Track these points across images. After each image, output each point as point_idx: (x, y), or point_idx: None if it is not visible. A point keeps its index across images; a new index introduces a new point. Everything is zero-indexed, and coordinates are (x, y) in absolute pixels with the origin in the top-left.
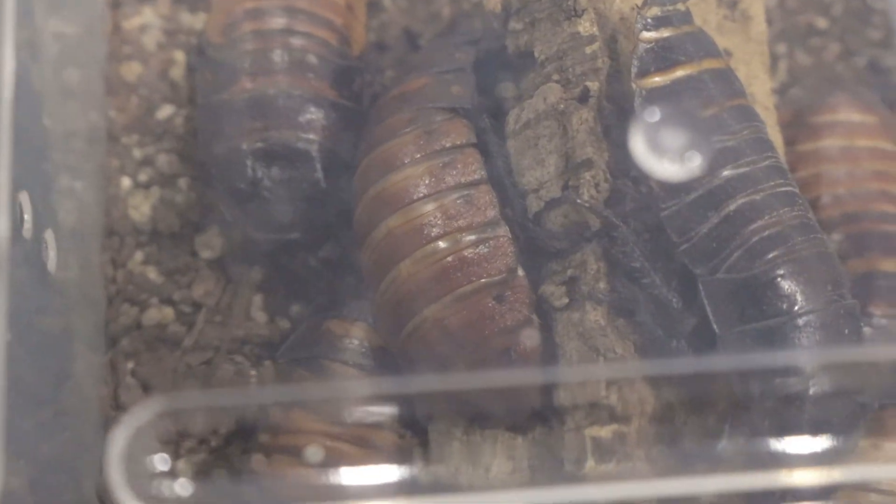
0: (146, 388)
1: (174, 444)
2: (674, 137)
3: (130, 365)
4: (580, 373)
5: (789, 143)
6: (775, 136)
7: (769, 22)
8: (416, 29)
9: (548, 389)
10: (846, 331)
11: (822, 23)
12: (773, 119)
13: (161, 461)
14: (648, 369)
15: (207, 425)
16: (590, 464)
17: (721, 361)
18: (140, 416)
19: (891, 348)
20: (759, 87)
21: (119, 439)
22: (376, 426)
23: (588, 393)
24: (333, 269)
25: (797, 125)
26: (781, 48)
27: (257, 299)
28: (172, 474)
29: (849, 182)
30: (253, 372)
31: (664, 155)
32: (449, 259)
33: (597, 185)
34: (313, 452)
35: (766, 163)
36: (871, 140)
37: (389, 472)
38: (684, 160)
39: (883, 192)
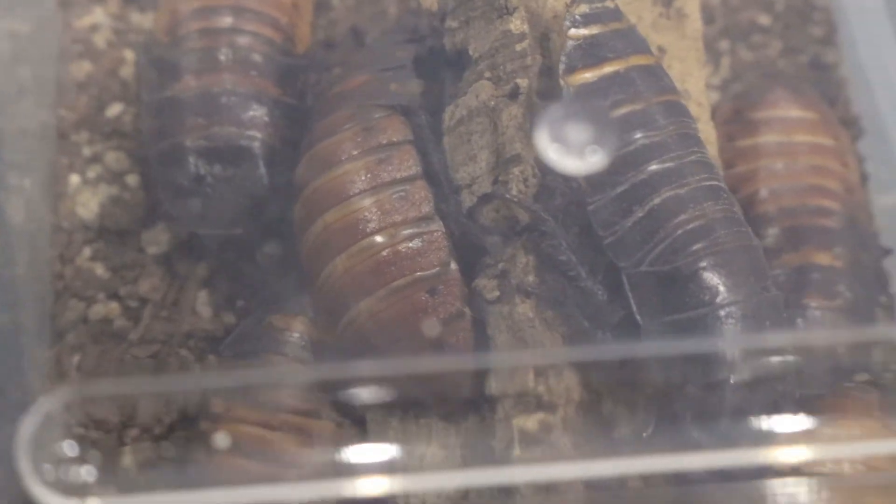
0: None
1: (104, 432)
2: (595, 133)
3: (76, 359)
4: (509, 359)
5: (729, 138)
6: (708, 131)
7: (712, 19)
8: (362, 27)
9: (480, 379)
10: (768, 322)
11: (764, 20)
12: (706, 115)
13: (70, 448)
14: (574, 356)
15: (143, 413)
16: (517, 452)
17: (645, 350)
18: (49, 404)
19: (806, 334)
20: (694, 84)
21: (27, 427)
22: (315, 415)
23: (517, 382)
24: (278, 265)
25: (737, 121)
26: (724, 45)
27: (203, 295)
28: (108, 461)
29: (786, 177)
30: (197, 366)
31: (582, 150)
32: (383, 253)
33: (525, 180)
34: (222, 438)
35: (692, 158)
36: (810, 135)
37: (328, 459)
38: (604, 155)
39: (820, 187)
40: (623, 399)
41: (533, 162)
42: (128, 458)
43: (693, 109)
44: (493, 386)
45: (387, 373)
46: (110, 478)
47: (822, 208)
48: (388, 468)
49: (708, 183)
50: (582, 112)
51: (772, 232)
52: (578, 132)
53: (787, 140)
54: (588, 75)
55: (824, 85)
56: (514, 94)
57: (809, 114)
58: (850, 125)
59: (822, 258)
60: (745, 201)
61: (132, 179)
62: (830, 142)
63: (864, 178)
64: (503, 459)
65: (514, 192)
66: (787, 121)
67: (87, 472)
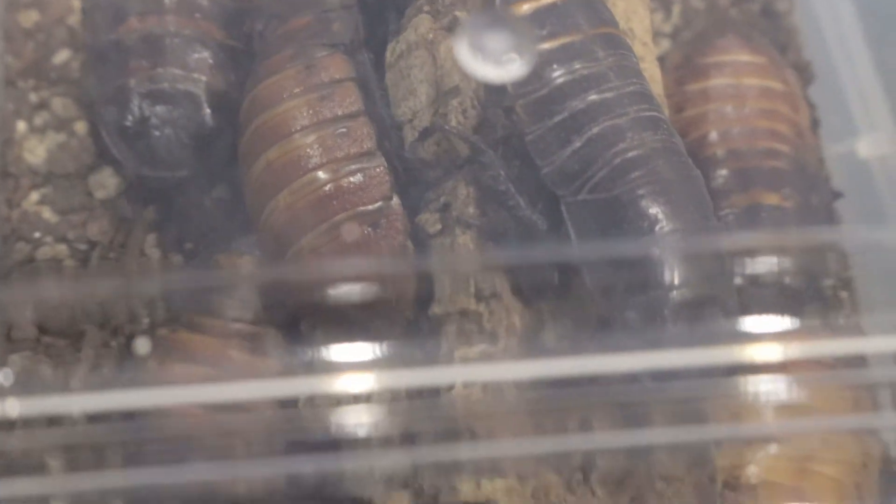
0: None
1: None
2: (512, 40)
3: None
4: (449, 263)
5: (678, 83)
6: (653, 70)
7: None
8: None
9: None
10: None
11: None
12: (651, 55)
13: None
14: (510, 259)
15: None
16: (457, 388)
17: (580, 254)
18: None
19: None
20: (638, 24)
21: None
22: (258, 339)
23: (459, 304)
24: (225, 207)
25: (686, 66)
26: None
27: (151, 237)
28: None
29: (736, 120)
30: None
31: (499, 56)
32: (325, 188)
33: (464, 111)
34: (142, 343)
35: (631, 89)
36: (759, 79)
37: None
38: (523, 63)
39: (770, 130)
40: (563, 324)
41: (472, 94)
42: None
43: (638, 49)
44: (436, 307)
45: (330, 298)
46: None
47: (771, 150)
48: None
49: (647, 114)
50: (502, 21)
51: (721, 173)
52: (497, 40)
53: (737, 83)
54: (525, 7)
55: (775, 32)
56: (452, 27)
57: (759, 58)
58: (802, 71)
59: (771, 198)
60: (694, 144)
61: (80, 126)
62: (780, 86)
63: (815, 123)
64: (444, 392)
65: (454, 123)
66: (736, 65)
67: (4, 376)
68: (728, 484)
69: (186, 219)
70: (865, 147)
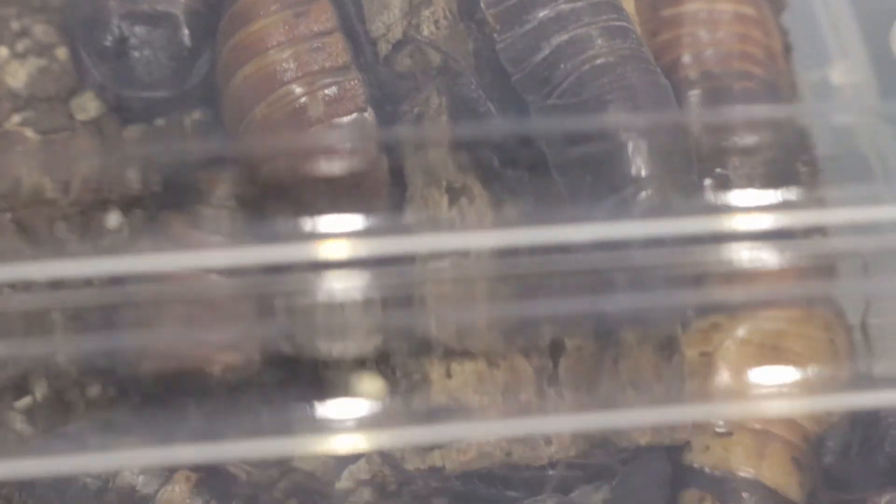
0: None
1: None
2: None
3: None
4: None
5: (653, 8)
6: None
7: None
8: None
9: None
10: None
11: None
12: None
13: None
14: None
15: None
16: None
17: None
18: None
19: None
20: None
21: None
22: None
23: (431, 206)
24: (206, 129)
25: None
26: None
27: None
28: None
29: (709, 43)
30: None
31: None
32: (301, 101)
33: (436, 21)
34: (114, 217)
35: None
36: (733, 5)
37: None
38: None
39: (742, 53)
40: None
41: (444, 4)
42: None
43: None
44: (409, 215)
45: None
46: None
47: (743, 72)
48: None
49: (616, 23)
50: None
51: (693, 94)
52: None
53: (710, 8)
54: None
55: None
56: None
57: None
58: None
59: None
60: (668, 67)
61: (61, 52)
62: (752, 11)
63: (787, 49)
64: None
65: (426, 33)
66: None
67: None
68: (695, 373)
69: (168, 138)
70: (838, 74)
